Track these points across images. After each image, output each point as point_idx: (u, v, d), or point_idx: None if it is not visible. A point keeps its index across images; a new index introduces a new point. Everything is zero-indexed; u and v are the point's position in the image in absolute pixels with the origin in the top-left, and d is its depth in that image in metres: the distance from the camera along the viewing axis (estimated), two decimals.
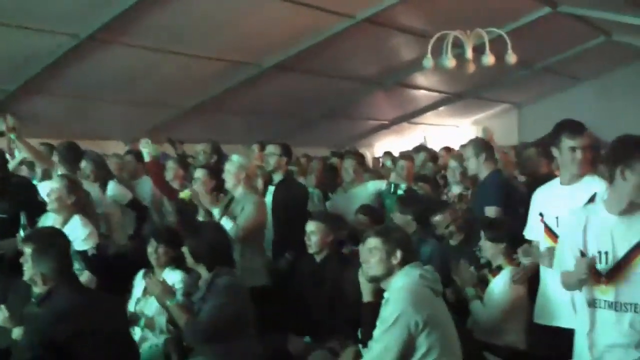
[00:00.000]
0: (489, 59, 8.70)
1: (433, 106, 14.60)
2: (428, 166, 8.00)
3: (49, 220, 5.02)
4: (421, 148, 8.89)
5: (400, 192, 6.43)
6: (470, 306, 4.63)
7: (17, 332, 3.90)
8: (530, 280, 4.42)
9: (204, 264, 4.29)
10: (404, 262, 3.56)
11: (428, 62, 8.77)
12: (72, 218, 4.98)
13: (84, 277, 4.73)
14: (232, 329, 4.11)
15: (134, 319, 4.66)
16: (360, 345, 3.84)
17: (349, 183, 6.73)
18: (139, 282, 4.93)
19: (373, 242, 3.61)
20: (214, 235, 4.39)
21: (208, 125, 11.19)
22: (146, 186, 6.95)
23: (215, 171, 5.61)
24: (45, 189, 5.29)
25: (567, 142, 3.79)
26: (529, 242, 4.09)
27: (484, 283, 4.67)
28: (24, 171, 6.51)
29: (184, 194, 5.60)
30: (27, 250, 3.58)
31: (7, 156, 6.20)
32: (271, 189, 6.00)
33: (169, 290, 4.27)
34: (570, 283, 3.24)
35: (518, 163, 7.27)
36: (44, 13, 7.18)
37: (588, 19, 10.88)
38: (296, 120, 12.76)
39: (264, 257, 5.48)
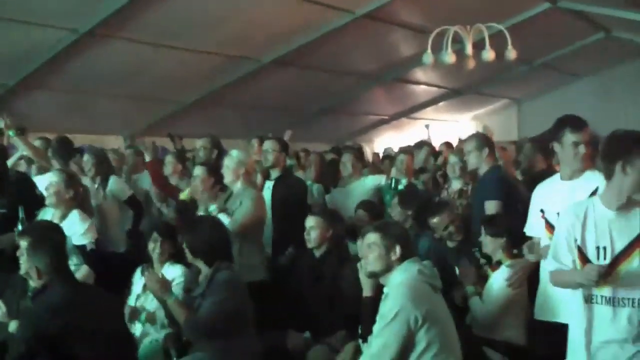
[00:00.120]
0: (489, 55, 8.70)
1: (433, 101, 14.59)
2: (430, 162, 7.98)
3: (47, 214, 5.02)
4: (423, 143, 8.86)
5: (400, 187, 6.43)
6: (469, 303, 4.63)
7: (13, 326, 3.91)
8: (529, 276, 4.41)
9: (202, 260, 4.29)
10: (402, 258, 3.57)
11: (428, 57, 8.77)
12: (70, 213, 4.99)
13: (82, 271, 4.73)
14: (232, 325, 4.11)
15: (135, 314, 4.66)
16: (360, 341, 3.85)
17: (347, 178, 6.72)
18: (138, 278, 4.93)
19: (372, 237, 3.61)
20: (212, 231, 4.39)
21: (207, 120, 11.19)
22: (146, 181, 6.96)
23: (215, 167, 5.59)
24: (43, 182, 5.29)
25: (570, 137, 3.78)
26: (530, 238, 4.08)
27: (483, 278, 4.67)
28: (22, 166, 6.51)
29: (184, 195, 5.59)
30: (23, 244, 3.59)
31: None
32: (268, 184, 5.99)
33: (167, 286, 4.26)
34: (566, 282, 3.23)
35: (516, 160, 7.27)
36: (43, 8, 7.17)
37: (588, 14, 10.87)
38: (295, 116, 12.74)
39: (262, 252, 5.46)
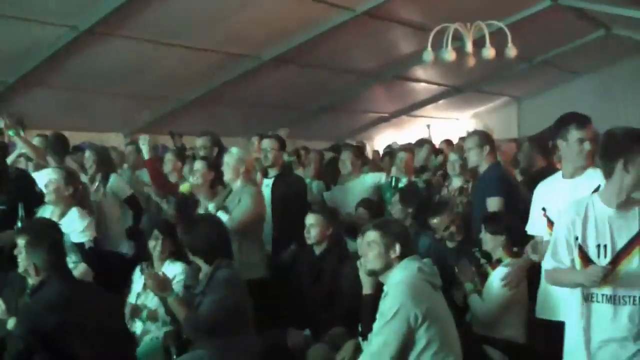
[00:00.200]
0: (489, 52, 8.69)
1: (433, 99, 14.58)
2: (431, 160, 7.96)
3: (47, 212, 5.02)
4: (424, 142, 8.85)
5: (401, 185, 6.42)
6: (469, 300, 4.63)
7: (11, 323, 3.91)
8: (530, 275, 4.41)
9: (201, 258, 4.29)
10: (402, 256, 3.56)
11: (428, 55, 8.76)
12: (70, 210, 4.98)
13: (80, 269, 4.73)
14: (232, 323, 4.11)
15: (137, 312, 4.66)
16: (360, 339, 3.85)
17: (346, 175, 6.72)
18: (138, 277, 4.93)
19: (372, 235, 3.61)
20: (210, 229, 4.38)
21: (207, 118, 11.17)
22: (147, 177, 6.96)
23: (215, 164, 5.59)
24: (41, 178, 5.28)
25: (575, 134, 3.76)
26: (531, 237, 4.07)
27: (483, 277, 4.67)
28: (22, 163, 6.51)
29: (184, 187, 5.58)
30: (21, 241, 3.59)
31: None
32: (267, 181, 5.98)
33: (166, 284, 4.26)
34: (564, 281, 3.21)
35: (515, 159, 7.24)
36: (43, 5, 7.16)
37: (588, 12, 10.86)
38: (296, 113, 12.74)
39: (262, 249, 5.46)
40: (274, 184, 5.89)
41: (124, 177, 6.87)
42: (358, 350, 3.95)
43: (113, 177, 6.13)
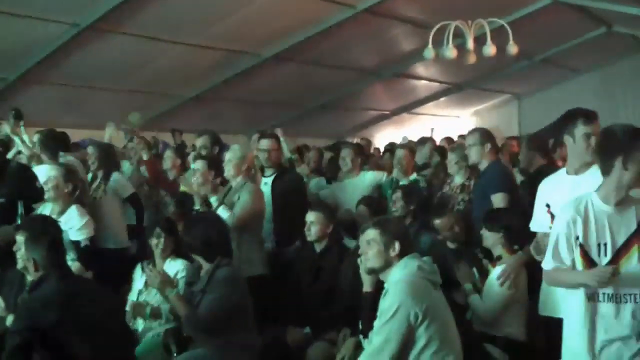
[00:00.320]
0: (490, 50, 8.68)
1: (433, 97, 14.59)
2: (434, 158, 7.93)
3: (46, 209, 5.02)
4: (426, 140, 8.83)
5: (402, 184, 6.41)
6: (469, 300, 4.61)
7: (10, 320, 3.91)
8: (532, 272, 4.39)
9: (201, 256, 4.29)
10: (402, 254, 3.55)
11: (429, 52, 8.76)
12: (69, 208, 4.98)
13: (74, 267, 4.72)
14: (232, 321, 4.11)
15: (140, 309, 4.66)
16: (360, 336, 3.85)
17: (346, 173, 6.71)
18: (139, 275, 4.93)
19: (371, 233, 3.60)
20: (209, 227, 4.38)
21: (208, 115, 11.19)
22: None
23: (216, 162, 5.59)
24: (42, 172, 5.28)
25: (582, 129, 3.70)
26: (534, 234, 4.05)
27: (484, 275, 4.66)
28: (24, 159, 6.52)
29: (185, 187, 5.57)
30: (21, 238, 3.58)
31: None
32: (265, 180, 5.97)
33: (169, 281, 4.27)
34: (567, 282, 3.18)
35: (516, 156, 7.24)
36: (44, 2, 7.17)
37: (589, 9, 10.85)
38: (296, 111, 12.74)
39: (262, 246, 5.46)
40: (273, 183, 5.88)
41: (128, 173, 6.86)
42: (358, 348, 3.95)
43: (115, 175, 6.11)
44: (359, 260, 3.79)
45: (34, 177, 5.20)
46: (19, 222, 4.68)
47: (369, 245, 3.59)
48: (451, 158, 5.93)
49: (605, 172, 3.11)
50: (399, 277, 3.49)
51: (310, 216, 5.12)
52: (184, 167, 6.89)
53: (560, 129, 3.89)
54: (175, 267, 4.79)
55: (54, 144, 5.93)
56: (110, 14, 7.55)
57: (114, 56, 8.69)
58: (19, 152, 6.45)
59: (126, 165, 7.16)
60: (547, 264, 3.24)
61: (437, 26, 8.67)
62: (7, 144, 6.86)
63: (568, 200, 3.29)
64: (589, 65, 14.44)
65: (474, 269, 4.72)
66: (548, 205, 3.85)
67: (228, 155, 5.44)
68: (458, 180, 5.85)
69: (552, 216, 3.79)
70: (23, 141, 6.50)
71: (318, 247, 5.15)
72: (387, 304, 3.39)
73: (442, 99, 14.81)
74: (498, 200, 5.02)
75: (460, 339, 3.57)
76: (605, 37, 12.34)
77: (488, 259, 4.70)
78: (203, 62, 9.79)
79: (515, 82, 14.94)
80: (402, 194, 5.77)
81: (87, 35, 7.93)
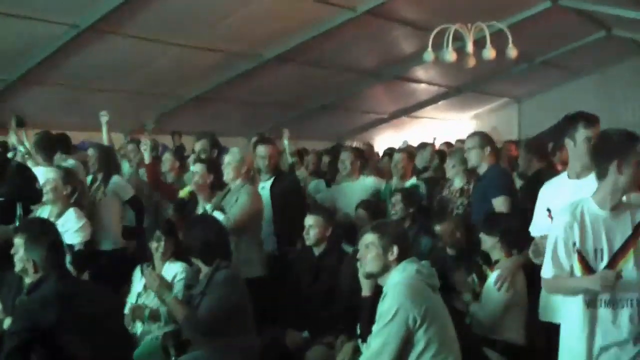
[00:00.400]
0: (489, 53, 8.68)
1: (433, 100, 14.59)
2: (434, 162, 7.92)
3: (45, 212, 5.01)
4: (426, 144, 8.81)
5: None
6: (470, 310, 4.60)
7: (7, 322, 3.90)
8: (531, 276, 4.38)
9: (199, 259, 4.29)
10: (400, 258, 3.55)
11: (429, 55, 8.76)
12: (67, 210, 4.97)
13: None
14: (231, 323, 4.11)
15: (138, 312, 4.66)
16: (359, 340, 3.85)
17: (344, 176, 6.70)
18: (139, 277, 4.93)
19: (369, 237, 3.60)
20: (207, 230, 4.38)
21: (208, 117, 11.19)
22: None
23: (215, 165, 5.59)
24: (40, 174, 5.27)
25: (583, 133, 3.70)
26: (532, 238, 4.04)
27: (483, 279, 4.65)
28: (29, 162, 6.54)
29: (184, 193, 5.58)
30: (19, 240, 3.58)
31: None
32: (263, 184, 5.97)
33: (167, 285, 4.26)
34: (569, 289, 3.16)
35: (515, 160, 7.22)
36: (44, 3, 7.17)
37: (588, 13, 10.87)
38: (296, 113, 12.74)
39: (261, 247, 5.46)
40: (272, 187, 5.89)
41: (127, 174, 6.86)
42: (357, 352, 3.95)
43: (115, 178, 6.09)
44: (357, 264, 3.78)
45: (34, 178, 5.20)
46: (17, 223, 4.68)
47: (368, 249, 3.59)
48: (449, 162, 5.92)
49: (601, 176, 3.11)
50: (398, 280, 3.48)
51: (309, 220, 5.11)
52: (182, 170, 6.89)
53: (561, 132, 3.88)
54: (174, 270, 4.79)
55: (49, 145, 5.93)
56: (110, 15, 7.55)
57: (114, 57, 8.69)
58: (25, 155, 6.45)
59: (126, 166, 7.16)
60: (547, 272, 3.21)
61: (437, 29, 8.68)
62: (6, 144, 6.87)
63: (564, 205, 3.28)
64: (589, 68, 14.46)
65: (473, 275, 4.70)
66: (549, 210, 3.83)
67: (227, 158, 5.44)
68: (457, 184, 5.84)
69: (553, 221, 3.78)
70: (25, 147, 6.50)
71: (317, 251, 5.14)
72: (386, 307, 3.39)
73: (441, 102, 14.81)
74: (499, 203, 5.00)
75: (459, 342, 3.56)
76: (604, 41, 12.35)
77: (487, 263, 4.69)
78: (203, 63, 9.79)
79: (515, 85, 14.95)
80: (401, 196, 5.77)
81: (87, 36, 7.93)
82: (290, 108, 12.56)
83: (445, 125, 16.06)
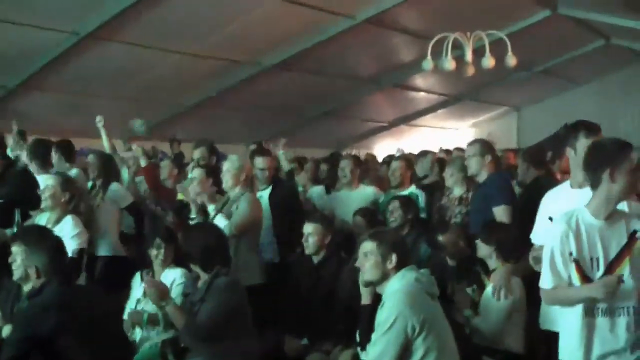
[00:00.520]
0: (489, 62, 8.70)
1: (432, 108, 14.61)
2: (435, 170, 7.90)
3: (43, 219, 5.00)
4: (427, 152, 8.80)
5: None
6: (472, 323, 4.57)
7: (6, 330, 3.89)
8: (528, 284, 4.37)
9: (198, 265, 4.29)
10: (399, 266, 3.54)
11: (428, 64, 8.77)
12: (65, 217, 4.97)
13: None
14: (230, 328, 4.11)
15: (137, 317, 4.66)
16: (358, 348, 3.84)
17: (344, 184, 6.69)
18: (138, 284, 4.92)
19: (368, 246, 3.59)
20: (207, 237, 4.37)
21: (207, 124, 11.21)
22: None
23: (214, 170, 5.59)
24: (42, 180, 5.27)
25: (584, 142, 3.65)
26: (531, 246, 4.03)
27: (481, 287, 4.64)
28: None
29: (182, 195, 5.57)
30: (17, 248, 3.57)
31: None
32: (260, 193, 5.98)
33: (165, 292, 4.25)
34: (571, 298, 3.12)
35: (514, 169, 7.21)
36: (44, 10, 7.19)
37: (587, 22, 10.90)
38: (295, 119, 12.76)
39: (259, 255, 5.46)
40: (270, 195, 5.91)
41: (127, 180, 6.86)
42: None
43: (114, 185, 6.10)
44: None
45: (35, 184, 5.19)
46: (15, 229, 4.68)
47: (366, 257, 3.58)
48: (447, 171, 5.91)
49: (594, 185, 3.11)
50: (397, 288, 3.48)
51: (308, 227, 5.09)
52: (180, 177, 6.89)
53: (561, 141, 3.87)
54: (173, 275, 4.79)
55: (44, 153, 5.92)
56: (110, 23, 7.57)
57: (113, 64, 8.71)
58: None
59: (125, 173, 7.16)
60: (546, 282, 3.19)
61: (436, 38, 8.69)
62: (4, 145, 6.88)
63: (559, 214, 3.27)
64: (588, 77, 14.49)
65: (474, 286, 4.68)
66: (551, 219, 3.81)
67: (226, 166, 5.44)
68: (457, 192, 5.83)
69: None
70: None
71: (316, 259, 5.14)
72: (385, 315, 3.39)
73: (440, 111, 14.83)
74: (500, 213, 4.96)
75: (459, 351, 3.56)
76: (603, 49, 12.39)
77: (485, 272, 4.67)
78: (203, 70, 9.80)
79: (514, 94, 14.97)
80: (399, 203, 5.76)
81: (87, 43, 7.96)
82: (290, 115, 12.58)
83: (444, 133, 16.06)
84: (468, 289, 4.69)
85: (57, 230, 4.50)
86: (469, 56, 8.76)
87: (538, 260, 3.68)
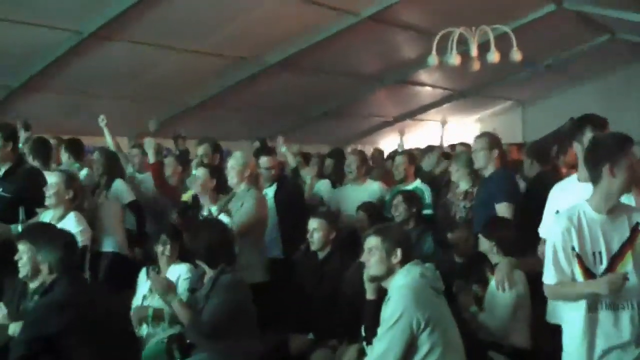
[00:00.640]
0: (494, 57, 8.67)
1: (436, 103, 14.59)
2: (441, 165, 7.87)
3: (47, 217, 5.02)
4: (433, 147, 8.77)
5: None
6: (478, 320, 4.56)
7: (12, 329, 3.89)
8: (533, 281, 4.35)
9: (204, 262, 4.29)
10: (404, 261, 3.54)
11: (433, 59, 8.76)
12: (68, 214, 4.98)
13: None
14: (235, 326, 4.11)
15: (142, 312, 4.66)
16: (364, 344, 3.83)
17: (350, 180, 6.69)
18: (144, 280, 4.93)
19: (373, 241, 3.59)
20: (212, 234, 4.37)
21: (211, 122, 11.20)
22: (150, 181, 6.94)
23: (217, 170, 5.59)
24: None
25: (591, 136, 3.63)
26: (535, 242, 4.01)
27: (484, 282, 4.62)
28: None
29: (186, 197, 5.56)
30: (24, 247, 3.57)
31: None
32: (265, 191, 5.98)
33: (172, 288, 4.26)
34: (576, 293, 3.12)
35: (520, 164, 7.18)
36: (46, 10, 7.19)
37: (593, 17, 10.86)
38: (299, 117, 12.75)
39: (263, 252, 5.45)
40: (276, 193, 5.93)
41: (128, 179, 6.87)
42: (361, 355, 3.93)
43: (117, 182, 6.12)
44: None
45: (43, 181, 5.20)
46: (20, 227, 4.69)
47: (371, 252, 3.57)
48: (453, 166, 5.89)
49: (595, 181, 3.11)
50: (402, 283, 3.48)
51: (313, 223, 5.10)
52: (185, 174, 6.89)
53: (567, 135, 3.86)
54: (178, 271, 4.81)
55: (45, 150, 5.93)
56: (113, 22, 7.57)
57: (116, 63, 8.71)
58: None
59: (130, 171, 7.17)
60: (549, 278, 3.19)
61: (441, 33, 8.68)
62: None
63: (561, 210, 3.26)
64: (593, 72, 14.45)
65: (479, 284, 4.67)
66: (558, 212, 3.80)
67: (230, 162, 5.45)
68: (463, 187, 5.80)
69: None
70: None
71: (321, 255, 5.14)
72: (390, 310, 3.38)
73: (445, 106, 14.80)
74: (503, 209, 4.95)
75: (465, 346, 3.54)
76: (608, 44, 12.34)
77: (490, 268, 4.65)
78: (206, 69, 9.80)
79: (519, 89, 14.94)
80: (402, 198, 5.74)
81: (90, 42, 7.96)
82: (294, 113, 12.57)
83: (450, 128, 16.02)
84: (474, 286, 4.67)
85: (60, 227, 4.51)
86: (474, 51, 8.75)
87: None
